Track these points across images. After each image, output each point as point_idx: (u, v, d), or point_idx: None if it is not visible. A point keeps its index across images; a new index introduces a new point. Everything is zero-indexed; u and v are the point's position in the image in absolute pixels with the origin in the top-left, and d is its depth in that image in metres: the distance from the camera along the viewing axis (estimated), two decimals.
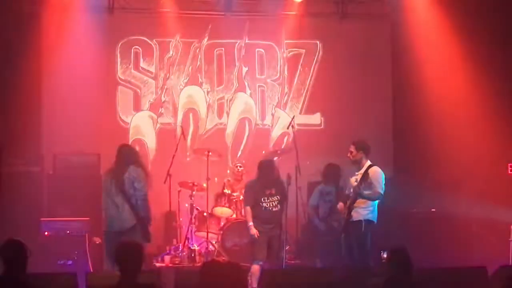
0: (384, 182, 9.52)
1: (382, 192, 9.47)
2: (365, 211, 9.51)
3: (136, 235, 9.25)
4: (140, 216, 9.46)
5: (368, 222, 9.51)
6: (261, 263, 9.83)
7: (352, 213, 9.50)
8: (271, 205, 9.99)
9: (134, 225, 9.43)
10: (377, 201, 9.54)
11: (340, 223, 10.61)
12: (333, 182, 11.44)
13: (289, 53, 13.87)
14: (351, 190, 9.58)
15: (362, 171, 9.51)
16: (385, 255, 10.56)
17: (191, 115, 13.60)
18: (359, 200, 9.48)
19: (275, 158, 10.25)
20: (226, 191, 12.18)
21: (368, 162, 9.62)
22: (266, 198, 10.01)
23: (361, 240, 9.48)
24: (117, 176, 9.52)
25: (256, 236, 9.88)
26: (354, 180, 9.62)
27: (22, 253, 6.20)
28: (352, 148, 9.72)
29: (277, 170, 10.24)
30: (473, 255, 11.17)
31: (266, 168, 10.16)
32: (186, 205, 12.16)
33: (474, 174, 11.57)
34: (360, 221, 9.46)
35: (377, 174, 9.51)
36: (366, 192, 9.40)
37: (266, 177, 10.07)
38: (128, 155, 9.68)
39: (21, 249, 6.22)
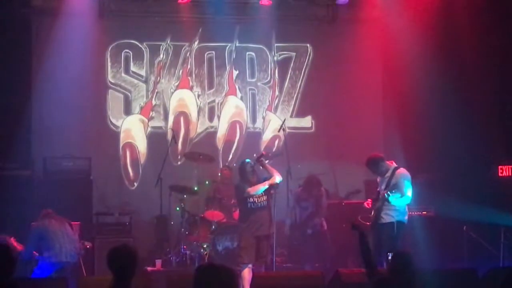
0: (408, 185, 9.59)
1: (408, 194, 9.55)
2: (395, 212, 9.55)
3: None
4: None
5: (400, 223, 9.57)
6: (250, 265, 9.81)
7: (382, 215, 9.55)
8: (256, 201, 9.93)
9: None
10: (408, 201, 9.59)
11: (314, 231, 10.72)
12: (311, 191, 11.49)
13: (279, 56, 13.89)
14: (380, 193, 9.63)
15: (389, 174, 9.63)
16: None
17: (182, 118, 13.58)
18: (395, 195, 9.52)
19: (267, 161, 10.20)
20: (217, 195, 12.17)
21: (393, 165, 9.75)
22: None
23: (393, 242, 9.45)
24: None
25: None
26: (381, 182, 9.69)
27: (8, 257, 6.11)
28: (370, 170, 9.96)
29: (252, 170, 10.14)
30: (463, 257, 11.21)
31: (241, 171, 10.14)
32: (177, 209, 12.12)
33: (465, 176, 11.59)
34: (392, 223, 9.51)
35: (401, 177, 9.62)
36: (394, 197, 9.44)
37: (246, 176, 10.04)
38: None
39: (7, 253, 6.13)
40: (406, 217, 9.75)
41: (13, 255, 6.13)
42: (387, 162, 9.83)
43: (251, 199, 9.88)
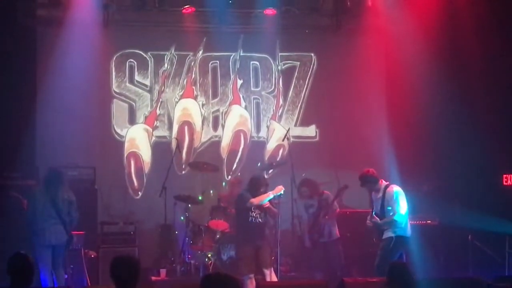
0: (399, 200, 9.61)
1: (400, 211, 9.57)
2: (395, 228, 9.60)
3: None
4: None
5: (399, 238, 9.61)
6: (251, 276, 9.84)
7: (384, 232, 9.65)
8: (258, 217, 10.04)
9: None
10: (406, 214, 9.63)
11: (320, 236, 10.70)
12: (315, 195, 11.39)
13: (283, 65, 13.90)
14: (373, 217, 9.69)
15: (380, 194, 9.66)
16: None
17: (186, 128, 13.59)
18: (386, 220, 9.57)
19: (270, 171, 10.26)
20: (222, 204, 12.16)
21: (383, 184, 9.75)
22: (253, 208, 10.02)
23: (385, 254, 9.52)
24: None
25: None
26: (375, 201, 9.74)
27: (28, 266, 6.25)
28: (361, 185, 9.93)
29: (266, 185, 10.21)
30: (468, 266, 11.19)
31: (255, 181, 10.19)
32: (182, 218, 12.13)
33: (469, 185, 11.58)
34: (390, 237, 9.58)
35: (391, 195, 9.66)
36: (383, 221, 9.58)
37: (257, 189, 10.07)
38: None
39: (28, 263, 6.27)
40: (408, 230, 9.76)
41: (33, 264, 6.24)
42: (379, 181, 9.83)
43: (253, 214, 9.95)
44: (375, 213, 9.73)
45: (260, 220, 10.07)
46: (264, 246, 10.07)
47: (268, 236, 10.25)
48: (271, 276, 10.01)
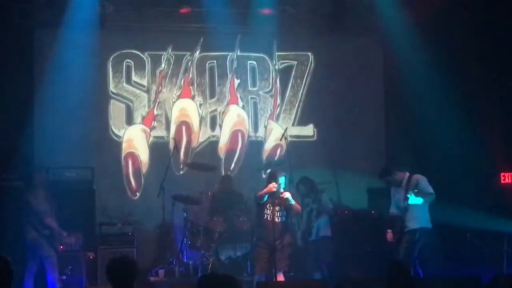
0: (428, 184, 9.78)
1: (433, 192, 9.71)
2: (417, 219, 9.75)
3: None
4: None
5: (422, 229, 9.75)
6: (262, 276, 9.85)
7: (407, 223, 9.70)
8: (272, 214, 9.93)
9: None
10: (427, 206, 9.72)
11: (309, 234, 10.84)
12: (311, 193, 11.38)
13: (281, 65, 13.89)
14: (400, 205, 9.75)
15: (404, 183, 9.80)
16: None
17: (183, 128, 13.57)
18: (411, 209, 9.59)
19: (268, 171, 10.23)
20: (219, 204, 12.16)
21: (406, 174, 9.91)
22: (269, 205, 9.97)
23: (410, 246, 9.67)
24: None
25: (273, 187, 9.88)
26: (396, 193, 9.82)
27: (6, 270, 6.18)
28: (385, 181, 10.15)
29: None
30: (467, 265, 11.19)
31: (268, 177, 10.24)
32: (180, 217, 12.13)
33: (467, 183, 11.58)
34: (414, 230, 9.70)
35: (420, 179, 9.82)
36: (416, 198, 9.63)
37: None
38: None
39: (6, 266, 6.19)
40: (430, 223, 9.88)
41: (11, 268, 6.19)
42: (404, 173, 9.96)
43: (268, 211, 9.91)
44: (397, 207, 9.81)
45: (272, 218, 9.89)
46: (280, 249, 9.95)
47: (289, 237, 10.18)
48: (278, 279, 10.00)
